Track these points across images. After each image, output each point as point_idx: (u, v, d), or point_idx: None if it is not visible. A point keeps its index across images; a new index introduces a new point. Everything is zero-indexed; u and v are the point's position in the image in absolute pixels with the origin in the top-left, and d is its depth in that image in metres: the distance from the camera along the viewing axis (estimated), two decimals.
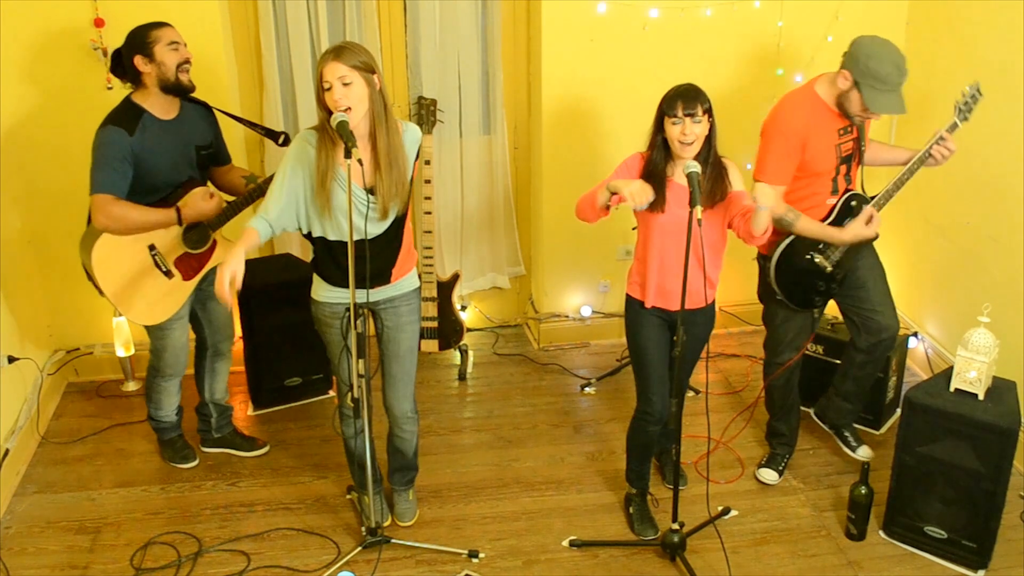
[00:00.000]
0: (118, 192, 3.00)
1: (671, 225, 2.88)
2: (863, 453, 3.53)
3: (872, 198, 3.19)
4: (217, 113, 3.34)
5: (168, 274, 3.21)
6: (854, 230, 3.14)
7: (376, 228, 2.80)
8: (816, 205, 3.19)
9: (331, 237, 2.83)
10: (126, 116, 3.04)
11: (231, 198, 3.31)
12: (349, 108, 2.63)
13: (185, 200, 3.17)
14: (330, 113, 2.67)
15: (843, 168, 3.18)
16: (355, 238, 2.70)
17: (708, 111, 2.80)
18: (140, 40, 3.04)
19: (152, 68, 3.04)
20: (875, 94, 2.97)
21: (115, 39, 3.61)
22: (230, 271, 2.62)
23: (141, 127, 3.04)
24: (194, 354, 3.58)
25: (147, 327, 3.30)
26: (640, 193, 2.77)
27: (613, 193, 2.82)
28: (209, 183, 3.34)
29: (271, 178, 3.22)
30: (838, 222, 3.18)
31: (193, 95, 3.17)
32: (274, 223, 2.79)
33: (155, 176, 3.10)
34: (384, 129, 2.72)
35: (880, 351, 3.35)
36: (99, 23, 3.59)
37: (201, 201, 3.19)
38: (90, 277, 3.16)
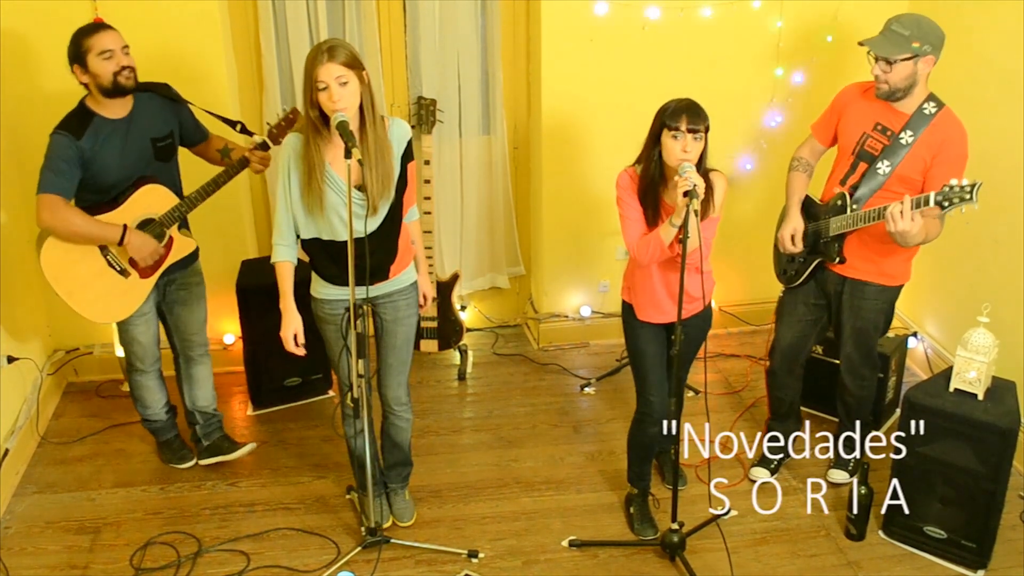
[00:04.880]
0: (64, 194, 3.00)
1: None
2: (834, 477, 3.49)
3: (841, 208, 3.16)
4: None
5: (124, 273, 3.19)
6: (784, 225, 3.25)
7: (370, 224, 2.80)
8: (833, 184, 3.22)
9: (325, 237, 2.84)
10: (75, 121, 3.05)
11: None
12: (344, 108, 2.64)
13: (132, 235, 3.12)
14: (321, 112, 2.68)
15: (862, 166, 3.11)
16: (351, 239, 2.71)
17: (707, 129, 2.78)
18: (75, 49, 3.03)
19: (88, 78, 3.04)
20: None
21: None
22: (291, 331, 2.89)
23: (92, 130, 3.04)
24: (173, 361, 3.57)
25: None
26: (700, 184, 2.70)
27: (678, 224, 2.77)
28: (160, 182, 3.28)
29: (243, 159, 3.26)
30: (822, 213, 3.22)
31: (152, 82, 3.17)
32: (294, 241, 2.89)
33: (106, 176, 3.10)
34: (372, 125, 2.73)
35: (844, 394, 3.40)
36: (99, 23, 3.58)
37: (146, 239, 3.15)
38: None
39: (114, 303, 3.21)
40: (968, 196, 2.75)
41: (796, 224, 3.23)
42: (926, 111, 3.00)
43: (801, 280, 3.33)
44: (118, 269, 3.18)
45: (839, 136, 3.22)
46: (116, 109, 3.11)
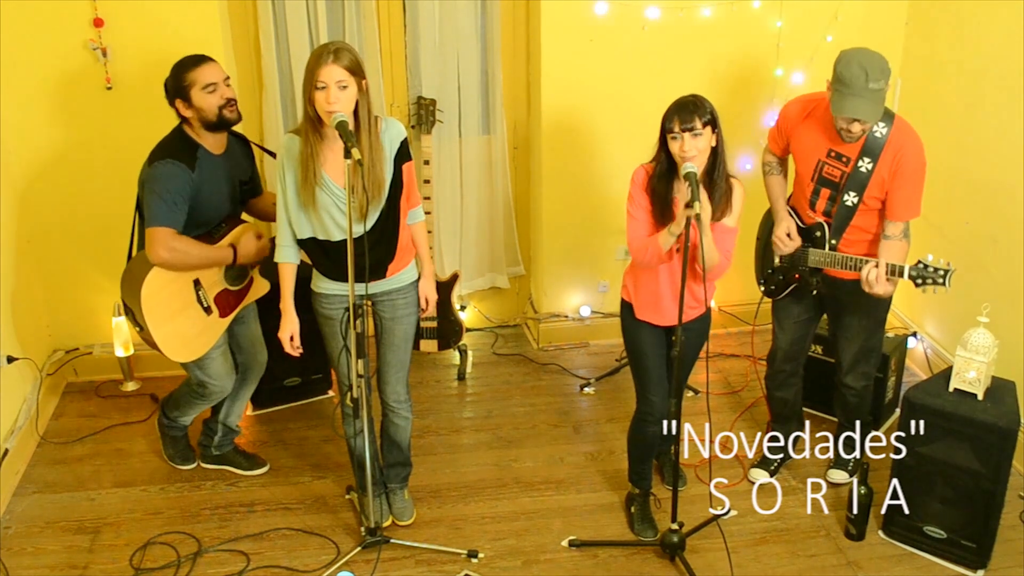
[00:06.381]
0: (177, 227, 2.97)
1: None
2: (834, 477, 3.48)
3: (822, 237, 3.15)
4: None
5: (207, 310, 3.18)
6: (776, 226, 3.23)
7: (361, 227, 2.81)
8: (803, 207, 3.21)
9: (320, 237, 2.86)
10: (184, 150, 3.00)
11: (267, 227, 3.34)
12: (339, 112, 2.65)
13: (238, 239, 3.15)
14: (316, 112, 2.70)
15: (825, 191, 3.10)
16: (344, 237, 2.73)
17: (710, 123, 2.73)
18: (178, 84, 2.98)
19: (192, 112, 3.00)
20: (838, 97, 2.85)
21: (114, 39, 3.63)
22: (288, 332, 2.96)
23: (199, 162, 3.01)
24: None
25: (184, 363, 3.25)
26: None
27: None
28: (245, 215, 3.35)
29: None
30: (802, 237, 3.22)
31: (234, 128, 3.15)
32: (295, 241, 2.91)
33: (205, 212, 3.08)
34: (366, 132, 2.74)
35: (846, 393, 3.38)
36: (98, 23, 3.59)
37: (253, 241, 3.18)
38: (129, 312, 3.13)
39: (193, 340, 3.17)
40: (941, 281, 2.85)
41: (788, 222, 3.23)
42: (877, 134, 2.96)
43: (780, 296, 3.35)
44: (204, 306, 3.17)
45: (795, 160, 3.20)
46: (217, 144, 3.09)
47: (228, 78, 3.06)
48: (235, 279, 3.26)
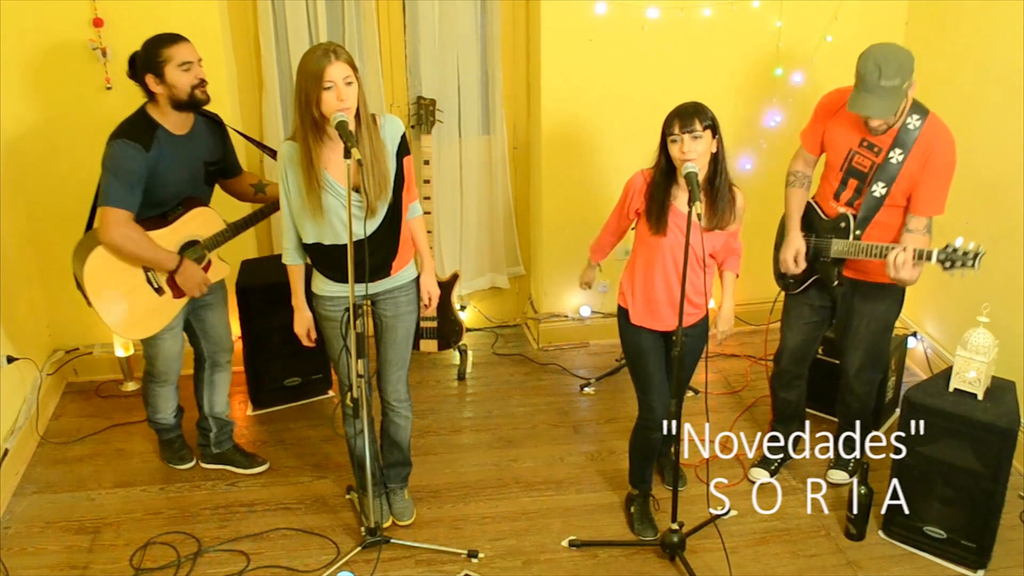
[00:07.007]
0: (132, 210, 2.97)
1: (668, 250, 2.89)
2: (834, 477, 3.48)
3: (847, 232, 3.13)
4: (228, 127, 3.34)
5: (159, 291, 3.18)
6: (786, 247, 3.23)
7: (369, 226, 2.82)
8: (824, 198, 3.20)
9: (326, 242, 2.85)
10: (142, 131, 2.99)
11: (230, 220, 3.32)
12: (349, 108, 2.65)
13: (186, 266, 3.15)
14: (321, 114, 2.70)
15: (852, 182, 3.08)
16: (351, 239, 2.71)
17: (710, 128, 2.76)
18: (151, 58, 2.96)
19: (163, 89, 2.99)
20: (854, 93, 2.86)
21: (114, 39, 3.63)
22: (304, 327, 3.03)
23: (156, 142, 3.00)
24: (193, 367, 3.53)
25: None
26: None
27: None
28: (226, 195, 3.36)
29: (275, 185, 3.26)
30: (823, 229, 3.19)
31: (205, 108, 3.14)
32: (300, 244, 2.93)
33: (162, 191, 3.07)
34: (366, 127, 2.75)
35: (849, 398, 3.37)
36: (98, 23, 3.59)
37: (197, 272, 3.18)
38: (80, 286, 3.14)
39: (144, 320, 3.18)
40: (971, 263, 2.81)
41: (798, 245, 3.22)
42: (911, 126, 2.95)
43: (799, 290, 3.33)
44: (155, 287, 3.17)
45: (825, 149, 3.18)
46: (180, 124, 3.08)
47: (201, 59, 3.06)
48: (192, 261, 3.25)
